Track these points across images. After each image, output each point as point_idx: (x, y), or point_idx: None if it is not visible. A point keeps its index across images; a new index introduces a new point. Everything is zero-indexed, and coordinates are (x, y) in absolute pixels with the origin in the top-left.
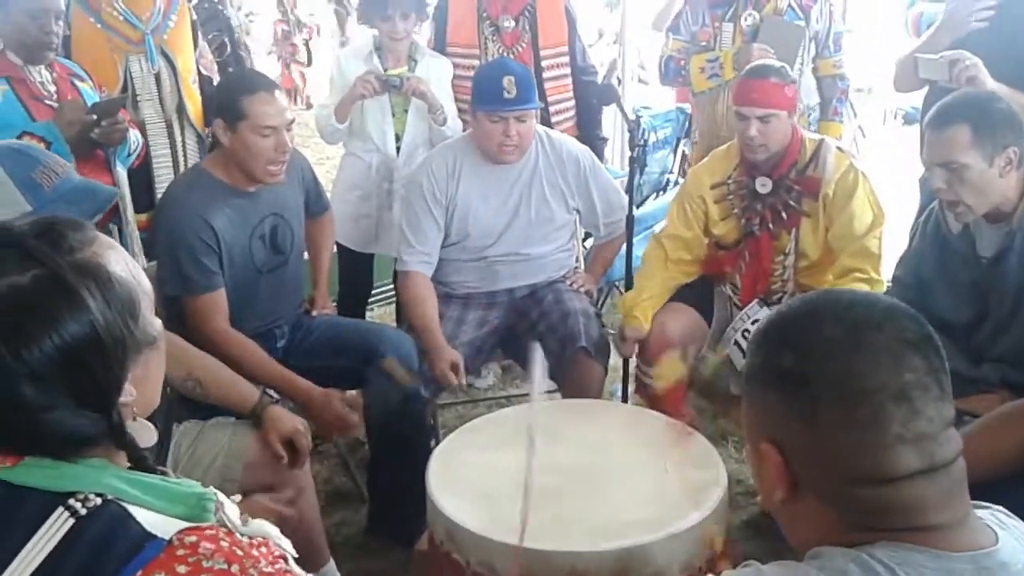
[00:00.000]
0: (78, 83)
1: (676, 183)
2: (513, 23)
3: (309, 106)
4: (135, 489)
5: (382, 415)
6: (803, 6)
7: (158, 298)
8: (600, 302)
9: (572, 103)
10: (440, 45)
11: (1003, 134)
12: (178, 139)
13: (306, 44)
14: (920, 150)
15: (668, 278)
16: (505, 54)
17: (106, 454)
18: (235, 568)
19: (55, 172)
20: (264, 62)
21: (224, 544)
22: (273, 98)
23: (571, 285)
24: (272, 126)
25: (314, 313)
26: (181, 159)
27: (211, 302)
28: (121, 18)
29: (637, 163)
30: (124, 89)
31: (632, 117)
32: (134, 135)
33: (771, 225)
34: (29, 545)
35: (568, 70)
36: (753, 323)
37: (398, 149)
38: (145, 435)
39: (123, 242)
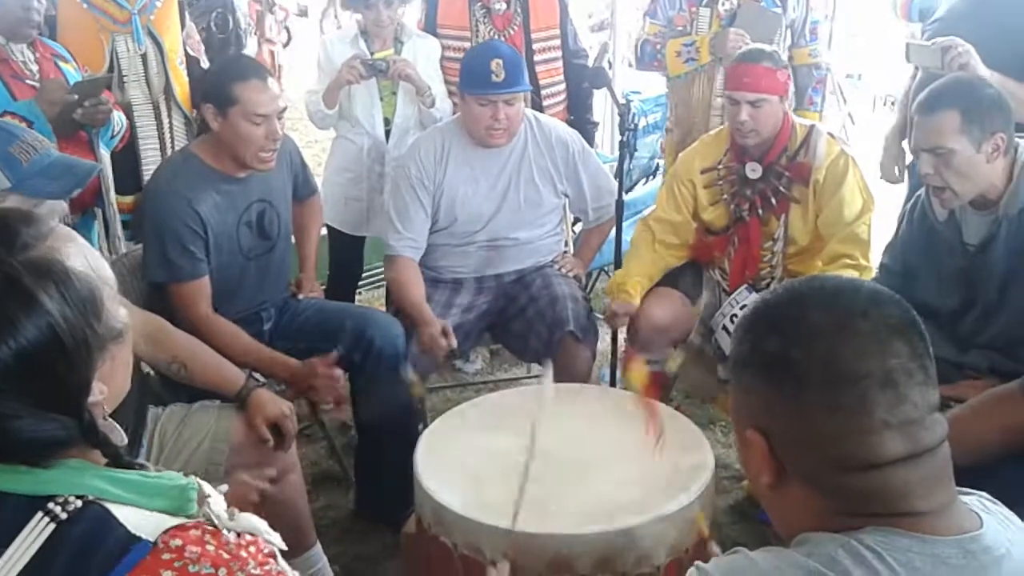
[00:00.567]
0: (61, 64)
1: (665, 168)
2: (504, 5)
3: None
4: (115, 487)
5: (370, 399)
6: None
7: (143, 282)
8: (589, 287)
9: (563, 87)
10: (431, 26)
11: (991, 120)
12: (165, 121)
13: (283, 24)
14: (908, 135)
15: (657, 259)
16: (496, 36)
17: (81, 454)
18: (222, 572)
19: (33, 148)
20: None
21: (210, 547)
22: (266, 86)
23: (560, 270)
24: (263, 114)
25: (300, 296)
26: (168, 141)
27: (196, 289)
28: None
29: (627, 148)
30: (110, 70)
31: (622, 101)
32: (118, 116)
33: (760, 211)
34: (8, 552)
35: (559, 53)
36: (741, 308)
37: (388, 132)
38: (115, 434)
39: (106, 225)
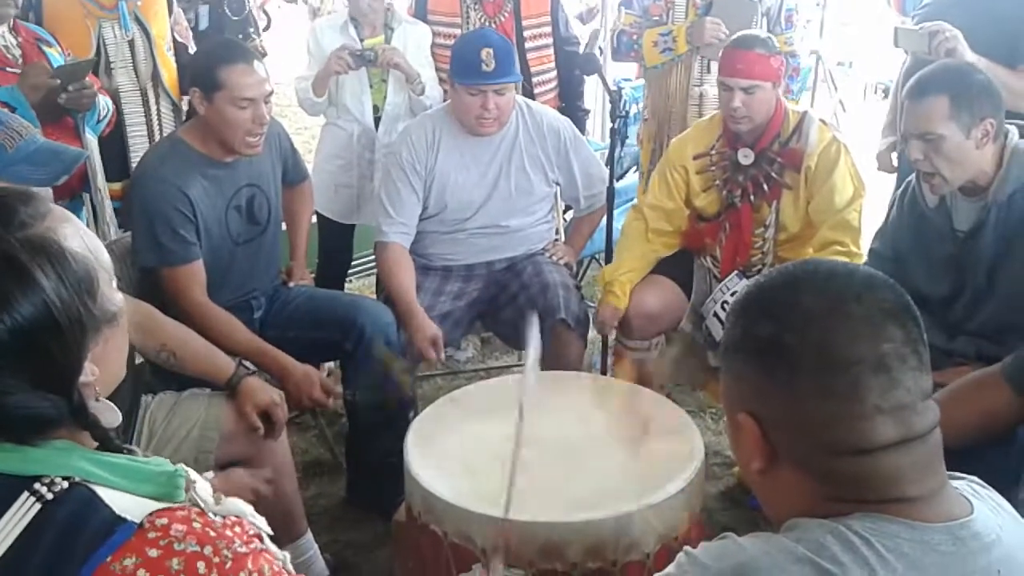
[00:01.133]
0: (45, 48)
1: (640, 159)
2: None
3: None
4: (103, 470)
5: (360, 387)
6: None
7: (133, 269)
8: (580, 274)
9: (554, 74)
10: (421, 13)
11: (981, 106)
12: (153, 107)
13: (261, 8)
14: (897, 121)
15: (649, 251)
16: (487, 23)
17: (70, 435)
18: (208, 550)
19: (18, 133)
20: None
21: (196, 525)
22: (252, 69)
23: (551, 257)
24: (250, 98)
25: (291, 284)
26: (156, 127)
27: (188, 273)
28: None
29: (618, 135)
30: (97, 56)
31: (613, 88)
32: (103, 100)
33: (752, 197)
34: None
35: (550, 40)
36: (732, 295)
37: (377, 120)
38: (108, 415)
39: (94, 211)
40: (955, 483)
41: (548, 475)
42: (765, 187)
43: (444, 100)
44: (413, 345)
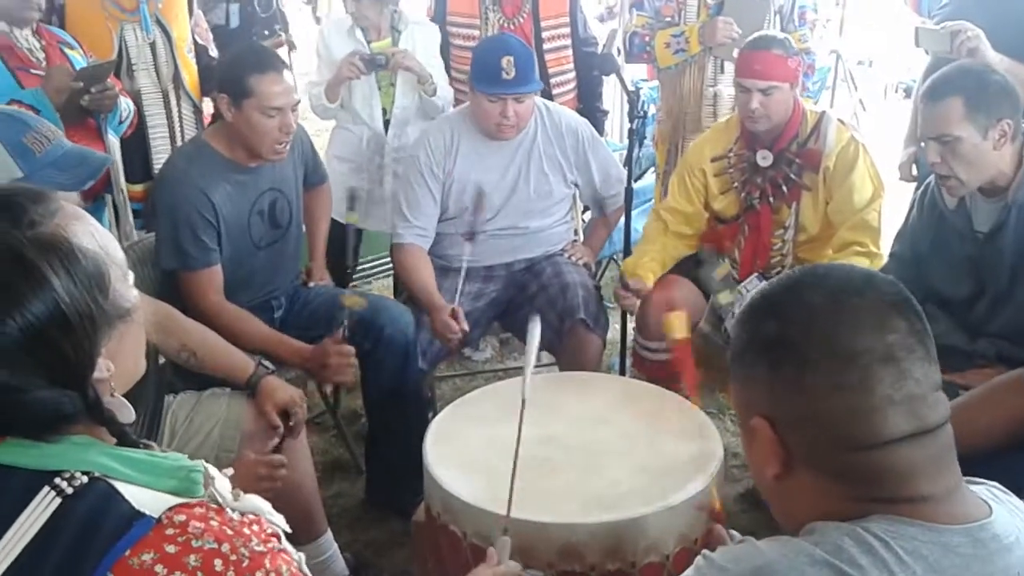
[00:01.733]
0: (67, 50)
1: (656, 160)
2: None
3: None
4: (121, 465)
5: (380, 387)
6: None
7: (155, 270)
8: (599, 275)
9: (573, 75)
10: (440, 15)
11: (997, 107)
12: (174, 109)
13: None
14: (915, 123)
15: (669, 246)
16: (506, 24)
17: (88, 431)
18: (225, 547)
19: (46, 137)
20: None
21: (214, 523)
22: (281, 78)
23: (570, 258)
24: (279, 107)
25: (311, 284)
26: (177, 129)
27: (207, 277)
28: None
29: (636, 135)
30: (119, 58)
31: (632, 89)
32: (125, 102)
33: (771, 199)
34: (15, 526)
35: (569, 41)
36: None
37: (386, 123)
38: (123, 412)
39: (115, 212)
40: (973, 487)
41: (567, 476)
42: (784, 188)
43: (455, 100)
44: (436, 327)
